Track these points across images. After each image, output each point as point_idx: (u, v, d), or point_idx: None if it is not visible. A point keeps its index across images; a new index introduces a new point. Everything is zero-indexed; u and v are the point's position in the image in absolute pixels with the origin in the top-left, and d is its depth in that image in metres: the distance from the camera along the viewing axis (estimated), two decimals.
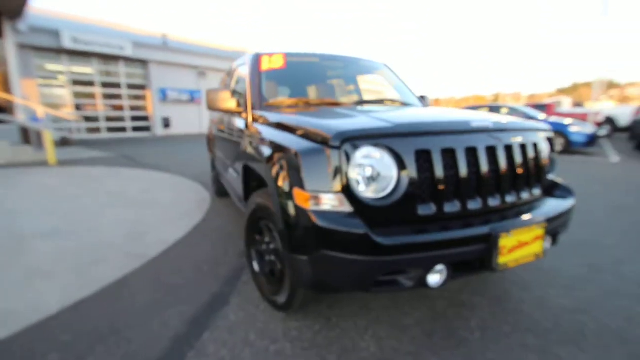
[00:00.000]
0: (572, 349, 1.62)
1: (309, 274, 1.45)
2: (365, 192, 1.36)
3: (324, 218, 1.34)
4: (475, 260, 1.40)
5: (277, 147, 1.64)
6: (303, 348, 1.67)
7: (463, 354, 1.60)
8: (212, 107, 2.49)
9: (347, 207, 1.35)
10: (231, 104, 2.44)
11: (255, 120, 2.19)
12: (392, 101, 2.73)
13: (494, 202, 1.55)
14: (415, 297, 2.09)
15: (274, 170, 1.58)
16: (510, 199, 1.60)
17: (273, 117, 1.99)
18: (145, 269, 2.51)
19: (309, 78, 2.80)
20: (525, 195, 1.66)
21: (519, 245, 1.44)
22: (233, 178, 2.76)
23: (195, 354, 1.63)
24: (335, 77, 2.99)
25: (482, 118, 1.63)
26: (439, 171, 1.41)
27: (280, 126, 1.80)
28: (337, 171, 1.35)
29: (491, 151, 1.54)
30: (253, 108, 2.35)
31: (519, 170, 1.62)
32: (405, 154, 1.38)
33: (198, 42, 18.64)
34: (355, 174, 1.36)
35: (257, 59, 2.66)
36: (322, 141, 1.40)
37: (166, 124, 17.58)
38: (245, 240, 2.23)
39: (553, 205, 1.69)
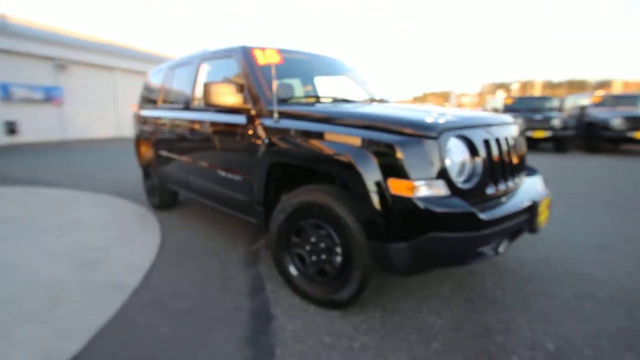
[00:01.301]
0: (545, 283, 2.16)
1: (408, 258, 1.52)
2: (457, 176, 1.53)
3: (432, 203, 1.44)
4: (524, 225, 1.74)
5: (352, 141, 1.63)
6: (381, 337, 1.71)
7: (500, 305, 1.94)
8: (209, 102, 2.21)
9: (445, 191, 1.49)
10: (235, 99, 2.22)
11: (284, 116, 2.06)
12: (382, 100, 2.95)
13: (513, 181, 1.93)
14: (434, 274, 2.36)
15: (355, 164, 1.57)
16: (518, 179, 2.02)
17: (315, 111, 1.94)
18: (139, 300, 2.04)
19: (298, 75, 2.76)
20: (523, 175, 2.12)
21: (542, 211, 1.85)
22: (228, 182, 2.49)
23: None
24: (320, 75, 3.03)
25: (495, 115, 2.01)
26: (494, 156, 1.69)
27: (336, 121, 1.78)
28: (436, 160, 1.47)
29: (505, 140, 1.92)
30: (267, 104, 2.20)
31: (520, 155, 2.05)
32: (477, 142, 1.61)
33: (55, 28, 15.09)
34: (448, 161, 1.50)
35: (249, 53, 2.48)
36: (416, 133, 1.50)
37: (11, 129, 13.57)
38: (274, 246, 2.08)
39: (538, 181, 2.21)
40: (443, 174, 1.50)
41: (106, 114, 17.06)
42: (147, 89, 4.13)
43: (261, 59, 2.42)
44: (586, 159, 8.07)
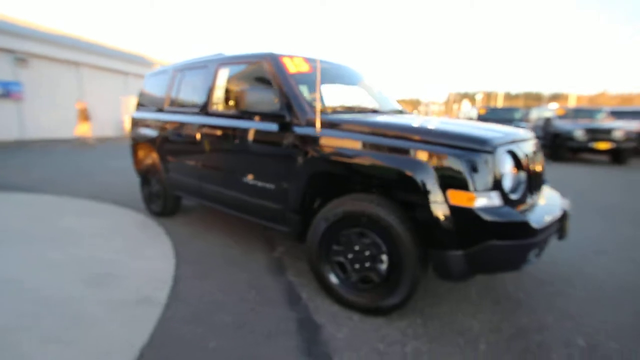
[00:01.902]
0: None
1: (464, 265, 1.60)
2: (508, 188, 1.64)
3: (491, 213, 1.54)
4: (556, 232, 1.89)
5: (409, 154, 1.70)
6: (429, 341, 1.78)
7: (527, 307, 2.08)
8: (246, 109, 2.19)
9: (499, 202, 1.59)
10: (271, 107, 2.22)
11: (326, 126, 2.08)
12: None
13: (540, 191, 2.09)
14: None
15: (413, 176, 1.63)
16: (542, 190, 2.18)
17: (365, 123, 1.99)
18: (176, 315, 1.96)
19: (322, 83, 2.78)
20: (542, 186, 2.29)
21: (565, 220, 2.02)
22: (257, 190, 2.45)
23: None
24: (340, 84, 3.06)
25: (523, 131, 2.16)
26: (530, 168, 1.83)
27: (388, 133, 1.83)
28: (491, 172, 1.57)
29: (533, 154, 2.07)
30: (303, 113, 2.21)
31: (542, 167, 2.22)
32: (520, 156, 1.74)
33: (14, 19, 13.93)
34: (501, 174, 1.61)
35: (278, 60, 2.48)
36: (475, 148, 1.59)
37: None
38: (314, 254, 2.09)
39: (554, 192, 2.39)
40: (497, 186, 1.60)
41: (71, 112, 15.99)
42: (148, 90, 3.96)
43: (292, 67, 2.44)
44: (552, 166, 8.75)
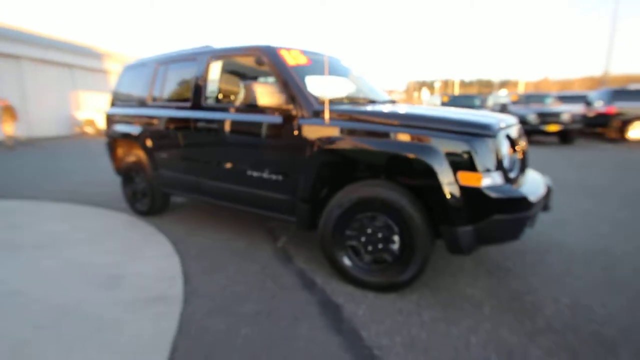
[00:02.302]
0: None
1: (473, 239, 1.79)
2: (507, 168, 1.84)
3: (497, 191, 1.73)
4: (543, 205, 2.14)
5: (420, 141, 1.83)
6: (442, 309, 1.97)
7: (515, 274, 2.35)
8: (253, 102, 2.21)
9: (501, 180, 1.79)
10: (277, 99, 2.25)
11: (335, 117, 2.15)
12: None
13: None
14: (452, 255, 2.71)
15: (426, 161, 1.78)
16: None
17: (373, 113, 2.10)
18: (199, 309, 1.99)
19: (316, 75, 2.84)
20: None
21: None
22: (262, 182, 2.49)
23: (384, 354, 1.64)
24: (332, 75, 3.13)
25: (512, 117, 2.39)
26: (520, 150, 2.06)
27: (397, 122, 1.96)
28: (495, 154, 1.76)
29: (519, 137, 2.31)
30: (309, 105, 2.27)
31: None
32: (514, 139, 1.95)
33: None
34: (501, 156, 1.80)
35: (276, 53, 2.50)
36: (481, 133, 1.77)
37: None
38: (328, 240, 2.20)
39: (534, 171, 2.67)
40: (499, 166, 1.79)
41: None
42: (126, 85, 3.77)
43: (290, 60, 2.49)
44: None
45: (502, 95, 13.24)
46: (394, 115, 2.01)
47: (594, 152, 8.37)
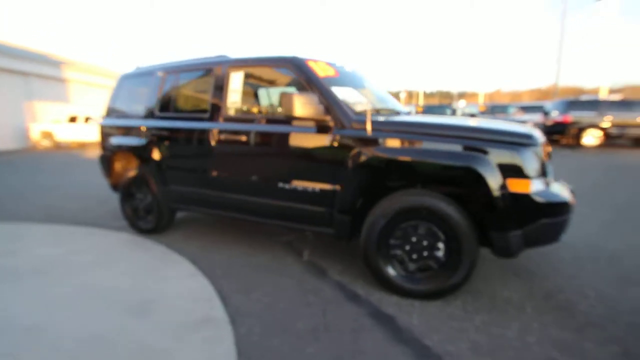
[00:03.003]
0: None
1: (521, 242, 1.89)
2: (546, 174, 1.97)
3: (543, 195, 1.85)
4: None
5: (469, 151, 1.92)
6: (488, 313, 2.04)
7: (542, 274, 2.49)
8: (290, 113, 2.19)
9: (544, 186, 1.91)
10: (315, 110, 2.24)
11: (377, 129, 2.19)
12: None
13: None
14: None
15: (477, 169, 1.87)
16: None
17: (413, 124, 2.18)
18: (254, 329, 1.90)
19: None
20: None
21: None
22: (297, 194, 2.45)
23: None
24: (353, 87, 3.15)
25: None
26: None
27: (443, 133, 2.04)
28: (538, 162, 1.88)
29: None
30: (347, 116, 2.29)
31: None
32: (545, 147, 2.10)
33: None
34: (542, 163, 1.93)
35: (305, 64, 2.51)
36: (527, 143, 1.90)
37: None
38: (372, 250, 2.21)
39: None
40: (541, 173, 1.92)
41: None
42: (125, 95, 3.56)
43: (320, 71, 2.51)
44: None
45: (462, 106, 14.08)
46: (441, 126, 2.08)
47: (556, 158, 9.13)
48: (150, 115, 3.26)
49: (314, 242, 3.20)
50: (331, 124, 2.31)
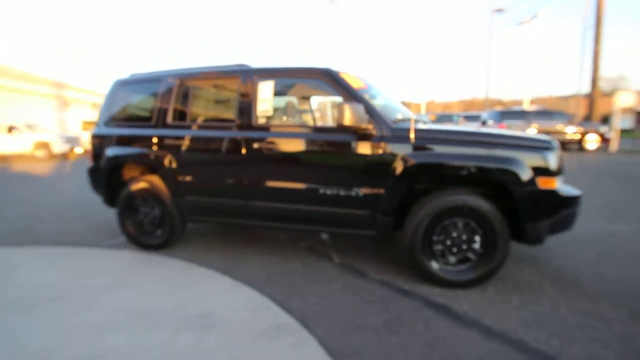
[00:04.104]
0: None
1: (547, 231, 2.25)
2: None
3: (564, 191, 2.22)
4: None
5: (506, 155, 2.23)
6: (519, 293, 2.36)
7: (547, 259, 2.92)
8: (343, 122, 2.32)
9: (563, 183, 2.30)
10: (361, 120, 2.39)
11: (419, 137, 2.41)
12: None
13: None
14: None
15: (515, 171, 2.18)
16: None
17: (452, 132, 2.45)
18: (330, 331, 1.96)
19: None
20: None
21: None
22: (340, 199, 2.55)
23: (520, 335, 1.92)
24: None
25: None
26: None
27: (482, 140, 2.34)
28: (559, 163, 2.27)
29: None
30: (386, 125, 2.48)
31: None
32: None
33: None
34: (560, 163, 2.32)
35: (340, 77, 2.65)
36: (550, 147, 2.26)
37: None
38: (417, 247, 2.41)
39: None
40: (561, 172, 2.31)
41: None
42: (124, 102, 3.32)
43: (353, 83, 2.68)
44: None
45: (425, 115, 15.28)
46: (477, 134, 2.37)
47: None
48: (162, 124, 3.09)
49: (335, 245, 3.30)
50: (374, 132, 2.48)
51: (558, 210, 2.26)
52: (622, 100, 12.10)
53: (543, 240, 2.30)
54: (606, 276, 2.59)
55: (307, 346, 1.81)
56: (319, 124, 2.94)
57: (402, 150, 2.42)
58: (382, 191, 2.48)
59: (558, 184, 2.27)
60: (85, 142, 15.44)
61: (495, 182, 2.31)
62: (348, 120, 2.33)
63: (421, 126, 2.54)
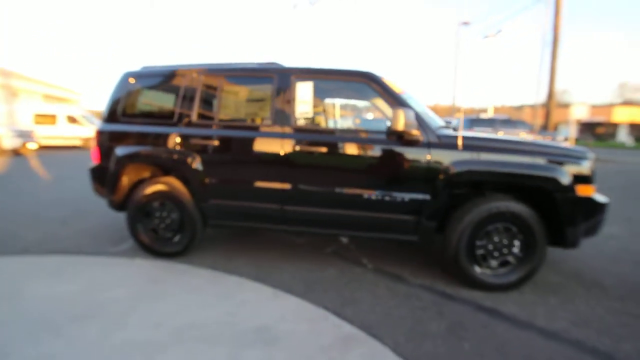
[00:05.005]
0: None
1: (583, 234, 2.40)
2: None
3: (600, 198, 2.38)
4: None
5: (549, 164, 2.36)
6: (553, 293, 2.49)
7: (561, 262, 3.12)
8: (397, 127, 2.32)
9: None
10: (412, 126, 2.39)
11: (467, 145, 2.45)
12: None
13: None
14: None
15: (557, 178, 2.30)
16: None
17: (500, 140, 2.53)
18: (400, 341, 1.92)
19: None
20: None
21: None
22: (385, 205, 2.54)
23: (574, 332, 2.02)
24: None
25: None
26: None
27: (525, 149, 2.44)
28: (594, 173, 2.42)
29: None
30: (432, 131, 2.51)
31: None
32: None
33: None
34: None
35: (383, 81, 2.64)
36: (587, 157, 2.42)
37: None
38: (461, 254, 2.46)
39: None
40: (594, 180, 2.47)
41: None
42: (136, 97, 3.04)
43: (395, 88, 2.69)
44: None
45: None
46: (522, 143, 2.47)
47: None
48: (185, 122, 2.87)
49: (360, 250, 3.27)
50: (421, 138, 2.49)
51: (594, 216, 2.42)
52: (577, 112, 13.34)
53: (579, 243, 2.45)
54: (622, 276, 2.82)
55: (382, 356, 1.77)
56: (362, 127, 2.91)
57: (450, 156, 2.45)
58: (427, 197, 2.50)
59: (594, 192, 2.43)
60: (39, 137, 14.03)
61: (539, 188, 2.43)
62: (402, 125, 2.32)
63: (467, 134, 2.59)
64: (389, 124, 2.78)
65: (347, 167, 2.67)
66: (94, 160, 3.13)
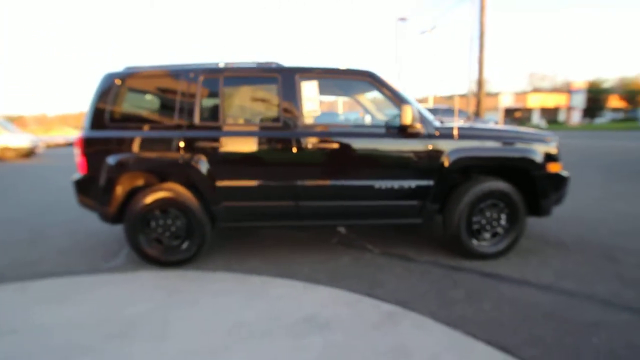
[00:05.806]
0: None
1: (554, 203, 2.91)
2: None
3: (565, 173, 2.89)
4: None
5: (527, 147, 2.79)
6: (554, 270, 2.97)
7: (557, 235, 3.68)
8: (406, 122, 2.56)
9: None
10: (417, 120, 2.65)
11: (462, 135, 2.77)
12: None
13: None
14: None
15: (534, 159, 2.74)
16: None
17: (486, 129, 2.91)
18: (471, 327, 2.17)
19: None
20: None
21: None
22: (393, 193, 2.77)
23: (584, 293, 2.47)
24: None
25: None
26: None
27: (507, 136, 2.84)
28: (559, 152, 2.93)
29: None
30: (430, 124, 2.79)
31: None
32: None
33: None
34: None
35: (382, 79, 2.85)
36: (552, 139, 2.89)
37: None
38: (462, 230, 2.80)
39: None
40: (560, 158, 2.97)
41: None
42: (120, 101, 2.83)
43: (394, 85, 2.93)
44: None
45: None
46: (504, 131, 2.87)
47: None
48: (188, 125, 2.77)
49: (361, 237, 3.48)
50: (422, 130, 2.77)
51: (562, 188, 2.93)
52: (504, 100, 15.17)
53: (551, 212, 2.95)
54: (578, 236, 3.43)
55: (427, 324, 2.00)
56: (369, 122, 3.09)
57: (449, 145, 2.77)
58: (431, 182, 2.79)
59: (560, 168, 2.94)
60: None
61: (518, 168, 2.86)
62: (410, 119, 2.56)
63: (460, 125, 2.93)
64: (386, 119, 3.01)
65: (357, 161, 2.84)
66: (80, 170, 2.86)
